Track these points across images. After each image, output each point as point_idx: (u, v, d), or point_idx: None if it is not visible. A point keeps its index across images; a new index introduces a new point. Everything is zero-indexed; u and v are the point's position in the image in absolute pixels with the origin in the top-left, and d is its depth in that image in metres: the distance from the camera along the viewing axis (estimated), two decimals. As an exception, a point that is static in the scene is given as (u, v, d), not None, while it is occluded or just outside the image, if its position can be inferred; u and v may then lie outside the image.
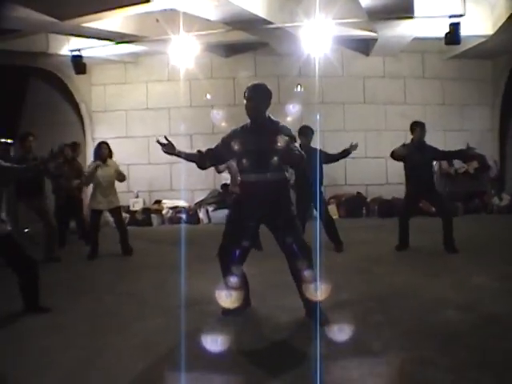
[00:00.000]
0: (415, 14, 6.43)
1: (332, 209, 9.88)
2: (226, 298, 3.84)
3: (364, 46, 9.52)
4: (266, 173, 3.70)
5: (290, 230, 3.80)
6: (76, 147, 8.10)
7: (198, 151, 4.01)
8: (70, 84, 10.11)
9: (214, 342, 3.45)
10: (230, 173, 6.85)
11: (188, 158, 4.02)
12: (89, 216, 6.88)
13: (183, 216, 9.98)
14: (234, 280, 3.81)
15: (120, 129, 10.72)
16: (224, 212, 10.04)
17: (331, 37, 7.41)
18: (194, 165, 4.06)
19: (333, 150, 10.12)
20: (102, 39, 7.47)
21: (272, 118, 3.84)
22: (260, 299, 4.34)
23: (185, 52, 7.72)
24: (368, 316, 3.87)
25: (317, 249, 6.10)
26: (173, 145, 3.87)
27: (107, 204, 6.57)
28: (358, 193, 10.01)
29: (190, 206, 10.38)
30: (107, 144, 6.71)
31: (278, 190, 3.78)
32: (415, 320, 3.76)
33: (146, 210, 10.30)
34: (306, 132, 6.38)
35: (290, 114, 9.06)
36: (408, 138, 9.76)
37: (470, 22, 7.26)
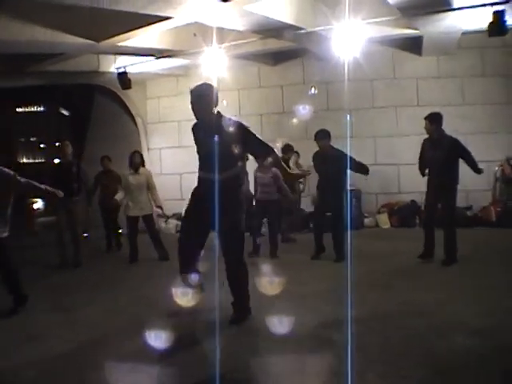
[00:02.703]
0: (454, 5, 5.95)
1: (383, 217, 9.48)
2: (183, 296, 4.00)
3: (416, 46, 9.00)
4: (212, 172, 3.76)
5: (230, 238, 3.89)
6: None
7: None
8: (126, 99, 10.61)
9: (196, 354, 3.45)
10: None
11: None
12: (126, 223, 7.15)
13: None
14: (192, 277, 3.94)
15: (173, 139, 11.06)
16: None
17: (371, 38, 7.15)
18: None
19: (385, 156, 9.79)
20: (140, 55, 7.78)
21: (221, 114, 3.91)
22: (268, 310, 4.25)
23: (219, 63, 7.80)
24: (362, 336, 3.61)
25: (348, 258, 6.01)
26: None
27: (138, 211, 6.79)
28: (412, 201, 9.46)
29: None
30: (140, 153, 6.99)
31: (226, 190, 3.78)
32: (414, 344, 3.43)
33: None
34: (323, 135, 6.35)
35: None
36: (467, 142, 9.21)
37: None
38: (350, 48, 7.06)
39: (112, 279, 6.10)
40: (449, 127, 9.35)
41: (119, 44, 6.70)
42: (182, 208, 10.54)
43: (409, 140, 9.66)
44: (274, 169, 6.93)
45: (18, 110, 30.02)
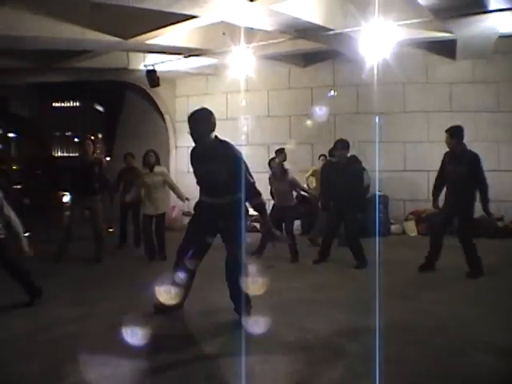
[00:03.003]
0: (490, 7, 5.71)
1: (411, 225, 9.25)
2: (166, 295, 4.10)
3: (449, 50, 8.72)
4: (214, 197, 3.97)
5: (229, 244, 4.02)
6: None
7: None
8: (155, 96, 10.69)
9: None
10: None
11: None
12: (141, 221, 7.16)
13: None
14: (181, 277, 4.06)
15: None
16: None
17: (402, 40, 6.97)
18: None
19: (415, 162, 9.51)
20: (168, 54, 7.81)
21: (219, 138, 4.02)
22: (280, 315, 4.23)
23: (247, 63, 7.75)
24: (375, 350, 3.49)
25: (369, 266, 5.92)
26: None
27: (154, 209, 6.77)
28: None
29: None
30: (154, 152, 6.94)
31: (224, 213, 3.92)
32: (430, 362, 3.26)
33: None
34: (342, 145, 6.41)
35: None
36: (500, 149, 8.90)
37: None
38: (380, 50, 6.90)
39: (129, 275, 6.13)
40: (483, 134, 9.15)
41: (147, 42, 6.71)
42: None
43: (440, 147, 9.33)
44: (289, 176, 6.95)
45: (54, 105, 30.77)
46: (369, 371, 3.01)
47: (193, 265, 4.11)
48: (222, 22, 6.76)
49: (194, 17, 5.80)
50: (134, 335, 3.71)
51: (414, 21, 6.12)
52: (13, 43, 6.05)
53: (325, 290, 5.26)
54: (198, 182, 4.15)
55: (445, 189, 5.98)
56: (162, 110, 11.06)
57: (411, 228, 9.19)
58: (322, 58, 9.71)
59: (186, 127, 12.25)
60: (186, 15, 5.76)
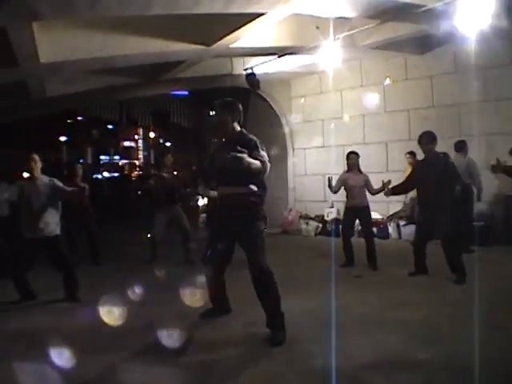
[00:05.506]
0: None
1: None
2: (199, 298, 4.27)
3: None
4: (228, 187, 3.79)
5: (249, 249, 3.80)
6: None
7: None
8: (269, 98, 10.71)
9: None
10: (345, 189, 6.70)
11: None
12: None
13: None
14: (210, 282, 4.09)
15: (317, 139, 10.76)
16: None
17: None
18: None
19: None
20: (260, 55, 7.70)
21: (244, 131, 3.88)
22: (325, 334, 3.80)
23: (352, 56, 7.25)
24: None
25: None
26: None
27: None
28: None
29: (382, 219, 9.62)
30: None
31: (241, 205, 3.77)
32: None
33: (337, 221, 10.05)
34: (427, 139, 5.65)
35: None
36: None
37: None
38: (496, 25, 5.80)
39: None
40: None
41: (230, 46, 6.68)
42: (325, 210, 10.34)
43: None
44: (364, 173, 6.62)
45: (211, 113, 32.88)
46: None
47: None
48: (315, 17, 6.44)
49: (261, 14, 5.59)
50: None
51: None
52: (105, 63, 6.54)
53: (400, 309, 4.61)
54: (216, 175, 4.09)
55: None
56: (278, 112, 11.01)
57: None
58: (442, 42, 8.58)
59: (302, 128, 12.07)
60: (255, 14, 5.59)
